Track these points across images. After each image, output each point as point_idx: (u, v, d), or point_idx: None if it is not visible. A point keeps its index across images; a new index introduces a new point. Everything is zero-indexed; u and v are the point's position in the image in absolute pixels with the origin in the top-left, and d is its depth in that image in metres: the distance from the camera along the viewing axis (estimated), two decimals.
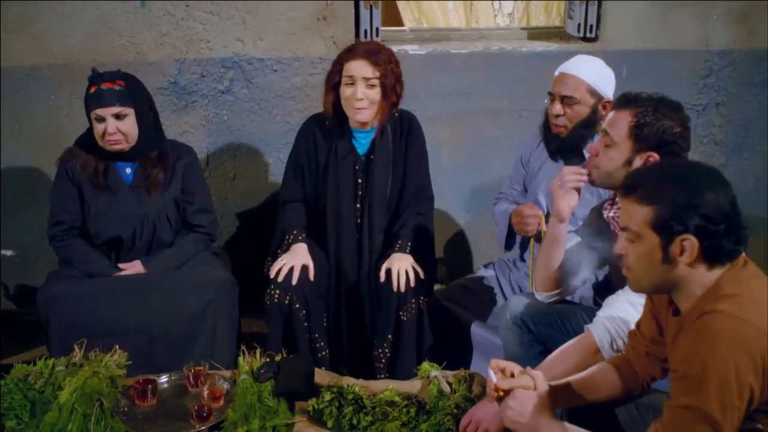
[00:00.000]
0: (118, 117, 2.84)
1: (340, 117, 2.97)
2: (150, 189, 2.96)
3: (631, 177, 1.81)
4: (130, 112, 2.86)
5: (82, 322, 2.77)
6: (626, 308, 2.20)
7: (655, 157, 2.25)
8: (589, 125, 2.86)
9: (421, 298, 2.83)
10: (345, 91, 2.86)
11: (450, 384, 2.55)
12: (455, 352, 2.88)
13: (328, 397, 2.44)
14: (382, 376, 2.88)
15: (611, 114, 2.37)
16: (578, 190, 2.46)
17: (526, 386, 1.89)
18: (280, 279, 2.83)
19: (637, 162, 2.28)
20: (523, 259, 3.15)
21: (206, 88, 3.61)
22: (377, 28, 3.61)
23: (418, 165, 3.05)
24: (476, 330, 3.01)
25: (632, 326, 2.17)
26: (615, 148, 2.31)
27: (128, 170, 2.99)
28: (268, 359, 2.66)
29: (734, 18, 3.80)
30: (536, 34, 3.97)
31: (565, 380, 1.99)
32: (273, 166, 3.77)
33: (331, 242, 3.01)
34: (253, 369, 2.61)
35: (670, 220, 1.68)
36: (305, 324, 2.86)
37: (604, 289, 2.82)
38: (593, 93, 2.84)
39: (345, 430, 2.36)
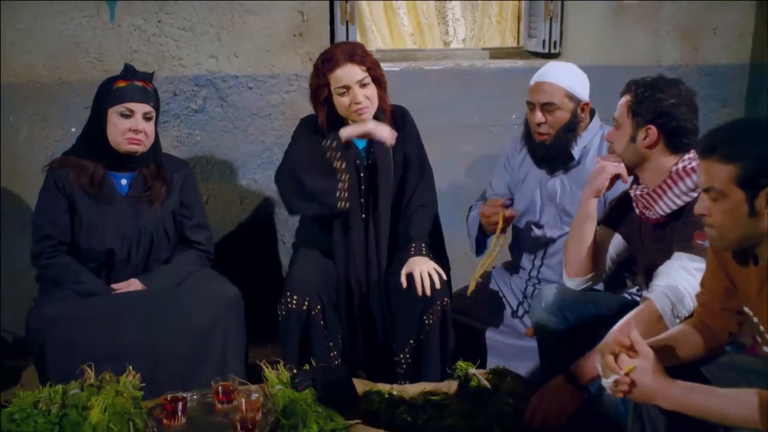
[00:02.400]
0: (145, 117, 2.73)
1: (334, 121, 2.91)
2: (153, 201, 2.80)
3: (709, 138, 1.85)
4: (154, 115, 2.78)
5: (82, 346, 2.53)
6: (681, 274, 2.24)
7: (653, 130, 2.36)
8: (570, 129, 2.89)
9: (445, 299, 2.76)
10: (342, 101, 2.80)
11: (488, 381, 2.50)
12: (467, 359, 2.82)
13: (377, 398, 2.34)
14: (404, 382, 2.77)
15: (620, 100, 2.47)
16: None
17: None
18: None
19: (640, 137, 2.39)
20: (521, 267, 3.14)
21: (179, 107, 3.45)
22: None
23: (416, 154, 3.02)
24: (490, 335, 2.97)
25: (689, 291, 2.22)
26: (621, 130, 2.44)
27: (124, 182, 2.81)
28: (295, 371, 2.53)
29: (680, 35, 4.05)
30: (497, 53, 4.07)
31: (651, 341, 1.97)
32: (248, 189, 3.62)
33: (339, 242, 2.89)
34: (282, 380, 2.45)
35: (755, 175, 1.75)
36: (324, 332, 2.73)
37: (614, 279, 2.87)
38: (571, 97, 2.88)
39: (402, 430, 2.25)
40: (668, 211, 2.37)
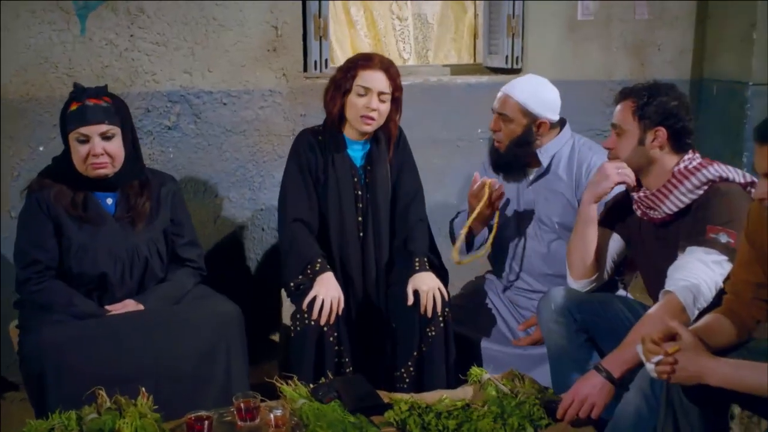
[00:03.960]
0: (104, 137, 2.54)
1: (333, 127, 2.90)
2: (136, 221, 2.65)
3: (765, 126, 1.94)
4: (117, 131, 2.58)
5: (83, 370, 2.40)
6: (700, 267, 2.31)
7: (662, 131, 2.46)
8: (521, 144, 2.94)
9: (446, 310, 2.77)
10: (356, 101, 2.80)
11: (504, 385, 2.52)
12: (463, 368, 2.83)
13: (405, 407, 2.33)
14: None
15: (616, 108, 2.56)
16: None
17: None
18: (315, 316, 2.65)
19: (648, 139, 2.47)
20: (498, 277, 3.19)
21: (151, 124, 3.35)
22: (326, 60, 3.58)
23: (410, 171, 3.05)
24: (486, 345, 2.98)
25: (708, 283, 2.30)
26: (626, 135, 2.51)
27: (109, 200, 2.66)
28: (312, 385, 2.48)
29: (629, 52, 4.25)
30: (458, 70, 4.15)
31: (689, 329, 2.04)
32: (222, 207, 3.54)
33: (336, 256, 2.88)
34: (302, 395, 2.40)
35: None
36: (335, 348, 2.69)
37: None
38: (525, 113, 2.92)
39: None
40: (675, 209, 2.46)
